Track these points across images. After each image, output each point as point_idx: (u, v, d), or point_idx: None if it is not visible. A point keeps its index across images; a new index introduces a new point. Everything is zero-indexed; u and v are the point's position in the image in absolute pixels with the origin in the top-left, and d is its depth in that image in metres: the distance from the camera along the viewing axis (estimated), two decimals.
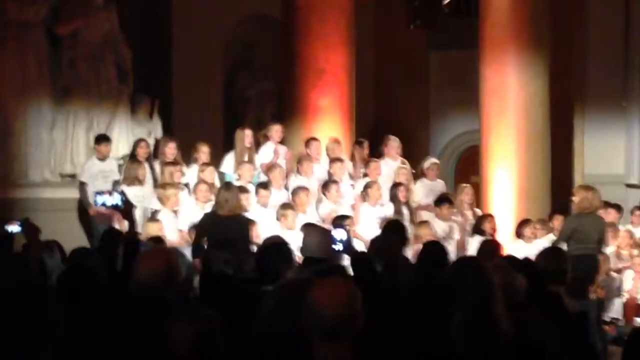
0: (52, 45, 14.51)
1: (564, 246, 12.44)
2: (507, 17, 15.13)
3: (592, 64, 18.83)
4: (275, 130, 14.62)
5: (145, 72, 15.62)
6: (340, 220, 12.55)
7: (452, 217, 13.82)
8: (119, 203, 12.69)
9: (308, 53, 15.63)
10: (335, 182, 13.77)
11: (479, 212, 14.73)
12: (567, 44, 17.96)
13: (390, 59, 19.15)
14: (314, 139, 14.74)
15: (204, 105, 17.10)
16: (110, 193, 12.85)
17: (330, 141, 14.84)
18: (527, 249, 13.13)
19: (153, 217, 12.71)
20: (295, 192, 13.46)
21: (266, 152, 14.45)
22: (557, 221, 13.69)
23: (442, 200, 13.93)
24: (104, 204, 12.71)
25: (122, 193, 12.92)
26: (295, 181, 14.00)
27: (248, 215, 12.27)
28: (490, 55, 15.22)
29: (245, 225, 11.66)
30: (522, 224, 13.84)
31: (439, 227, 13.30)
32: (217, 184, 13.45)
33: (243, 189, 12.86)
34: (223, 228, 11.22)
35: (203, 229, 11.58)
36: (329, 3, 15.72)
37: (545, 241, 13.20)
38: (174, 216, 12.85)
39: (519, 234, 13.76)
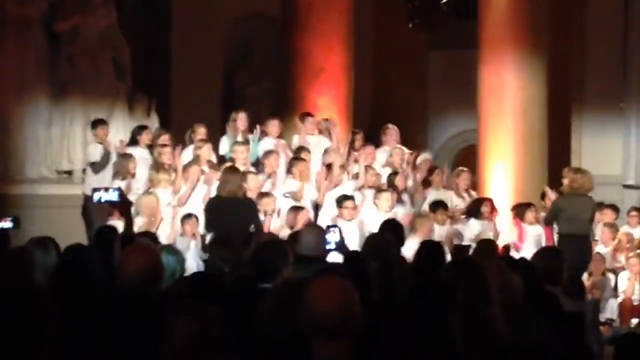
0: (50, 41, 14.48)
1: (554, 226, 12.56)
2: (506, 17, 15.14)
3: (590, 64, 18.84)
4: (273, 125, 14.54)
5: (143, 69, 15.60)
6: (342, 201, 12.57)
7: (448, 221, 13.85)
8: (115, 199, 12.65)
9: (307, 52, 15.65)
10: (341, 166, 13.78)
11: (474, 194, 14.75)
12: (565, 44, 17.96)
13: (389, 59, 19.15)
14: (309, 114, 14.74)
15: (202, 102, 17.08)
16: (106, 189, 12.82)
17: (323, 121, 14.83)
18: (530, 231, 13.24)
19: (147, 192, 12.73)
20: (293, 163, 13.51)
21: (264, 148, 14.33)
22: (549, 200, 13.76)
23: (437, 205, 13.89)
24: (99, 200, 12.68)
25: (119, 189, 12.89)
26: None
27: None
28: (488, 55, 15.24)
29: (248, 206, 11.68)
30: (522, 206, 13.83)
31: (436, 231, 13.28)
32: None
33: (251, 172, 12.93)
34: (226, 210, 11.27)
35: (209, 215, 11.63)
36: (329, 2, 15.73)
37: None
38: (162, 196, 12.85)
39: (519, 217, 13.77)
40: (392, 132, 15.18)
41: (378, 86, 19.27)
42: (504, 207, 14.83)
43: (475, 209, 13.64)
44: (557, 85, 16.32)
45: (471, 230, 13.22)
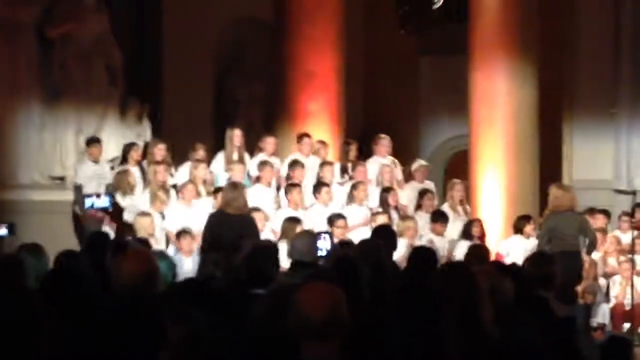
0: (42, 47, 14.48)
1: (547, 247, 12.54)
2: (497, 22, 15.16)
3: (581, 70, 18.85)
4: (269, 143, 14.65)
5: (135, 74, 15.61)
6: (333, 220, 12.59)
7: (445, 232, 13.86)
8: (108, 205, 12.69)
9: (298, 56, 15.67)
10: (325, 184, 13.80)
11: (469, 208, 14.79)
12: (556, 49, 17.98)
13: (380, 63, 19.16)
14: (306, 134, 14.79)
15: (194, 107, 17.09)
16: (98, 195, 12.84)
17: (315, 142, 14.89)
18: (526, 244, 13.22)
19: (143, 212, 12.76)
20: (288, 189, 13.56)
21: (256, 165, 14.37)
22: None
23: (438, 215, 13.92)
24: (92, 207, 12.71)
25: (111, 196, 12.92)
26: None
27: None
28: (479, 60, 15.25)
29: (253, 223, 11.73)
30: (522, 219, 13.82)
31: (436, 242, 13.25)
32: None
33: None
34: (231, 227, 11.27)
35: (210, 229, 11.62)
36: (320, 7, 15.74)
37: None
38: (159, 217, 12.92)
39: (518, 229, 13.74)
40: (384, 143, 15.22)
41: (369, 91, 19.28)
42: (495, 213, 14.86)
43: (465, 231, 13.65)
44: (548, 91, 16.34)
45: (462, 251, 13.18)
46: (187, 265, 11.81)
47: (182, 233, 12.40)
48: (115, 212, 13.12)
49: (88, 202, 12.67)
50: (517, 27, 15.17)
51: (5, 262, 6.80)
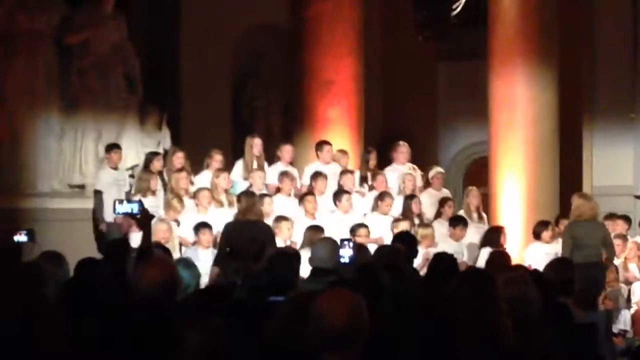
0: (60, 54, 14.52)
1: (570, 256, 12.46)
2: (516, 28, 15.14)
3: (600, 75, 18.81)
4: (286, 151, 14.62)
5: (154, 82, 15.62)
6: (355, 229, 12.58)
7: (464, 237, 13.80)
8: (134, 211, 12.62)
9: (317, 64, 15.68)
10: (346, 192, 13.78)
11: (485, 215, 14.74)
12: (575, 55, 17.95)
13: (399, 70, 19.15)
14: (326, 142, 14.75)
15: (213, 115, 17.10)
16: (121, 201, 12.80)
17: (336, 152, 14.86)
18: (546, 249, 13.17)
19: (160, 219, 12.80)
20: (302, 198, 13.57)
21: (274, 173, 14.34)
22: (563, 225, 13.66)
23: (457, 220, 13.86)
24: (118, 212, 12.67)
25: (140, 202, 12.90)
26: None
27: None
28: (499, 66, 15.23)
29: (269, 229, 11.79)
30: (540, 225, 13.77)
31: (451, 248, 13.15)
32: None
33: (267, 196, 13.12)
34: (248, 233, 11.33)
35: (226, 237, 11.68)
36: (338, 14, 15.75)
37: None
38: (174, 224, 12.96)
39: (537, 235, 13.69)
40: (402, 150, 15.17)
41: (388, 98, 19.27)
42: (516, 219, 14.82)
43: (490, 238, 13.53)
44: (568, 96, 16.30)
45: (484, 259, 13.12)
46: (205, 257, 11.87)
47: (201, 227, 12.45)
48: (144, 218, 13.09)
49: (116, 208, 12.60)
50: (536, 33, 15.14)
51: (25, 269, 6.81)
